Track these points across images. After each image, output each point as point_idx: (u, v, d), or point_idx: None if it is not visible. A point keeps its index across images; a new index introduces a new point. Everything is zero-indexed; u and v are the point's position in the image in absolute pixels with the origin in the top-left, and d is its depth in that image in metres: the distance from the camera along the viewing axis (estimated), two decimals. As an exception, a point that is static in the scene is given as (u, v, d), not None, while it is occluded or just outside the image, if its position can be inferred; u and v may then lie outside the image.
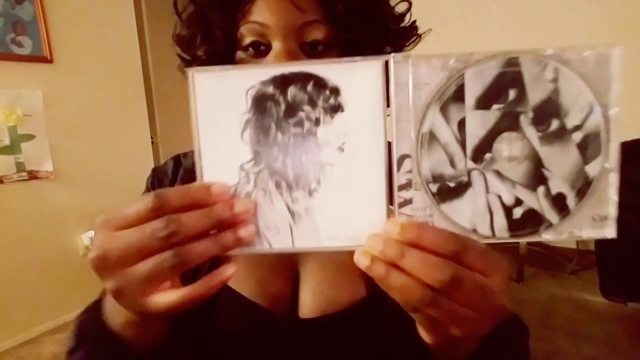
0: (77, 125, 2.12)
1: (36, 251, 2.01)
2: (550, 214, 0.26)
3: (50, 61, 1.97)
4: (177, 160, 0.55)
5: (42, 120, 1.95)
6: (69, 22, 2.04)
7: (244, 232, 0.27)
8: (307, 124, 0.27)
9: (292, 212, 0.28)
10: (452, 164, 0.26)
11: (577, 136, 0.25)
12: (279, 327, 0.46)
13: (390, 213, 0.27)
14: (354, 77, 0.26)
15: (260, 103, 0.27)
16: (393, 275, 0.24)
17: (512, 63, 0.25)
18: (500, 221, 0.26)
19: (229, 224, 0.27)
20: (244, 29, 0.42)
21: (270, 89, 0.27)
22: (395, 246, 0.24)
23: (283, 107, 0.27)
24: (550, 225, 0.26)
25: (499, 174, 0.25)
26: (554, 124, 0.25)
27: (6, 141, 1.84)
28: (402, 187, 0.26)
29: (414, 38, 0.48)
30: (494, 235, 0.26)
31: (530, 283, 2.43)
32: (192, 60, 0.48)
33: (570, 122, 0.25)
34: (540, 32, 2.78)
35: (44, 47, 1.94)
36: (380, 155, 0.27)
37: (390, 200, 0.27)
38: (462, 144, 0.25)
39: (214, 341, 0.48)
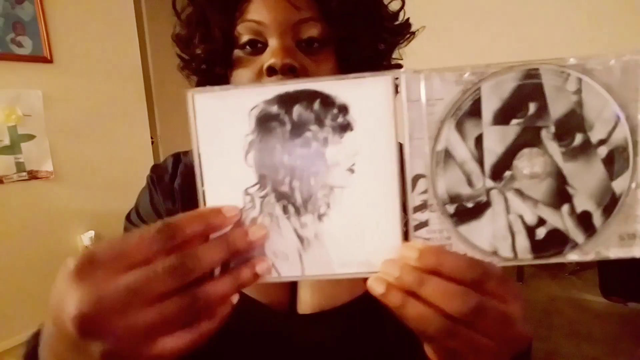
0: (77, 125, 2.12)
1: (36, 251, 2.01)
2: (576, 234, 0.24)
3: (50, 61, 1.97)
4: (176, 157, 0.55)
5: (42, 120, 1.95)
6: (69, 22, 2.04)
7: (261, 267, 0.26)
8: (314, 145, 0.26)
9: (301, 238, 0.26)
10: (470, 183, 0.24)
11: (603, 151, 0.24)
12: (277, 323, 0.46)
13: (405, 237, 0.26)
14: (363, 93, 0.25)
15: (265, 123, 0.26)
16: (410, 304, 0.23)
17: (531, 74, 0.23)
18: (523, 242, 0.25)
19: (243, 253, 0.26)
20: (241, 28, 0.42)
21: (275, 109, 0.26)
22: (412, 273, 0.23)
23: (289, 127, 0.26)
24: (575, 245, 0.24)
25: (520, 192, 0.24)
26: (578, 138, 0.24)
27: (6, 141, 1.84)
28: (417, 209, 0.25)
29: (408, 35, 0.49)
30: (516, 257, 0.25)
31: (530, 283, 2.43)
32: (191, 59, 0.49)
33: (595, 136, 0.23)
34: (541, 29, 2.78)
35: (44, 47, 1.94)
36: (393, 175, 0.25)
37: (405, 223, 0.25)
38: (480, 162, 0.24)
39: (213, 337, 0.48)
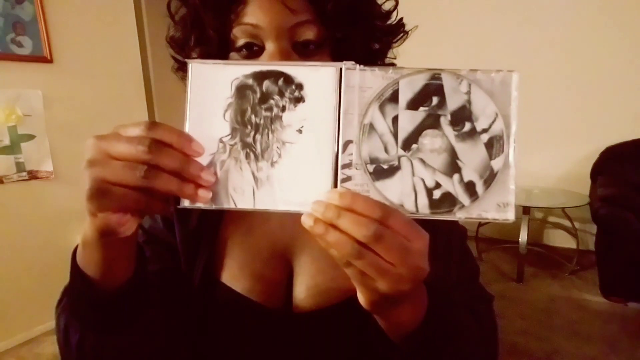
0: (77, 125, 2.12)
1: (36, 251, 2.01)
2: (463, 197, 0.32)
3: (50, 61, 1.97)
4: None
5: (42, 120, 1.95)
6: (69, 22, 2.04)
7: (202, 192, 0.33)
8: (275, 110, 0.34)
9: (256, 179, 0.34)
10: (386, 150, 0.32)
11: (485, 137, 0.31)
12: (273, 321, 0.47)
13: (334, 187, 0.33)
14: (315, 77, 0.33)
15: (241, 91, 0.34)
16: (330, 233, 0.29)
17: (435, 77, 0.31)
18: (423, 200, 0.32)
19: (193, 180, 0.32)
20: (237, 31, 0.43)
21: (250, 81, 0.34)
22: (333, 209, 0.29)
23: (258, 95, 0.34)
24: (462, 206, 0.32)
25: (423, 161, 0.32)
26: (467, 126, 0.31)
27: (6, 141, 1.84)
28: (345, 166, 0.33)
29: (401, 35, 0.49)
30: (417, 211, 0.32)
31: (530, 283, 2.43)
32: (184, 50, 0.48)
33: (480, 125, 0.31)
34: (532, 30, 2.78)
35: (44, 47, 1.94)
36: (330, 139, 0.33)
37: (335, 177, 0.33)
38: (395, 135, 0.32)
39: (209, 337, 0.48)
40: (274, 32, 0.41)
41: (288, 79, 0.33)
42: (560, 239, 2.94)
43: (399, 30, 0.49)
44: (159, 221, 0.53)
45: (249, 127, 0.34)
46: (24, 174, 1.92)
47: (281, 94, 0.33)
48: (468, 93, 0.31)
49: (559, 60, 2.75)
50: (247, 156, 0.34)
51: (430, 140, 0.32)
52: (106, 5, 2.21)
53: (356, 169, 0.32)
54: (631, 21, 2.53)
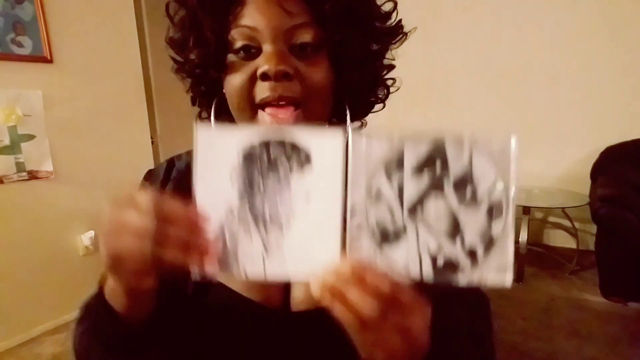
0: (77, 125, 2.12)
1: (36, 251, 2.01)
2: (465, 263, 0.33)
3: (50, 61, 1.97)
4: (170, 162, 0.57)
5: (42, 120, 1.95)
6: (69, 22, 2.04)
7: (209, 266, 0.34)
8: (283, 177, 0.34)
9: (265, 247, 0.34)
10: (392, 215, 0.33)
11: (485, 202, 0.32)
12: (271, 320, 0.47)
13: (342, 253, 0.33)
14: (322, 145, 0.34)
15: (249, 157, 0.34)
16: (336, 305, 0.31)
17: (439, 144, 0.32)
18: (427, 268, 0.33)
19: (199, 251, 0.33)
20: (234, 32, 0.43)
21: (258, 149, 0.34)
22: (343, 282, 0.31)
23: (266, 162, 0.34)
24: (464, 272, 0.33)
25: (427, 225, 0.33)
26: (469, 191, 0.32)
27: (6, 141, 1.84)
28: (353, 231, 0.33)
29: (400, 36, 0.49)
30: (422, 278, 0.33)
31: (530, 283, 2.43)
32: (185, 62, 0.49)
33: (480, 191, 0.32)
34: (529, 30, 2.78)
35: (44, 47, 1.94)
36: (337, 205, 0.34)
37: (344, 242, 0.34)
38: (401, 201, 0.33)
39: (207, 337, 0.48)
40: (271, 34, 0.41)
41: (295, 147, 0.34)
42: (560, 239, 2.94)
43: (397, 32, 0.49)
44: None
45: (258, 194, 0.34)
46: (24, 174, 1.92)
47: (289, 161, 0.34)
48: (470, 158, 0.32)
49: (559, 60, 2.75)
50: (256, 223, 0.34)
51: (434, 205, 0.32)
52: (106, 5, 2.21)
53: (364, 233, 0.33)
54: (631, 21, 2.53)
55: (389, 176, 0.32)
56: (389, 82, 0.52)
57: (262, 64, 0.41)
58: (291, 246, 0.34)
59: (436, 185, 0.32)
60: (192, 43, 0.46)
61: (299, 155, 0.34)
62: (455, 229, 0.33)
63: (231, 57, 0.44)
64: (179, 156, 0.58)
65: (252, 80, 0.43)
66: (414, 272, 0.33)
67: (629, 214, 1.95)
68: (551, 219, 2.98)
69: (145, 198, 0.33)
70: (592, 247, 2.47)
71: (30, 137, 1.92)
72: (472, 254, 0.33)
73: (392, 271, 0.32)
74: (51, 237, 2.07)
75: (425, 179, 0.32)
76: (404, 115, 3.24)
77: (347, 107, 0.49)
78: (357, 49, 0.44)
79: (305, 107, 0.43)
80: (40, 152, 1.96)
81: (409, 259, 0.33)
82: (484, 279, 0.33)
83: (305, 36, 0.42)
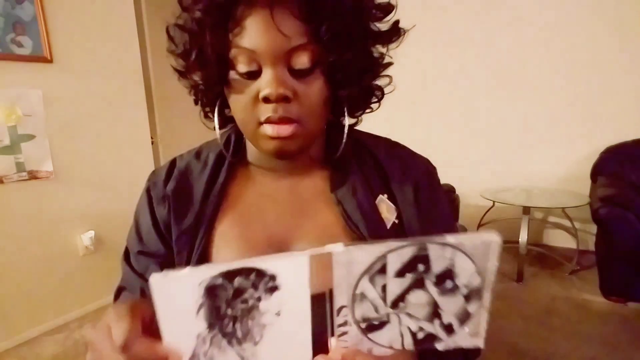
0: (77, 125, 2.12)
1: (36, 251, 2.01)
2: (442, 335, 0.37)
3: (50, 61, 1.97)
4: (172, 162, 0.60)
5: (42, 120, 1.95)
6: (69, 22, 2.04)
7: None
8: (251, 301, 0.35)
9: (242, 357, 0.36)
10: (376, 310, 0.36)
11: (464, 291, 0.35)
12: None
13: (314, 358, 0.37)
14: (287, 267, 0.34)
15: (212, 291, 0.34)
16: None
17: (422, 248, 0.34)
18: (408, 340, 0.37)
19: None
20: (235, 52, 0.44)
21: (220, 280, 0.33)
22: None
23: (231, 292, 0.34)
24: (441, 340, 0.37)
25: (408, 314, 0.36)
26: (449, 284, 0.35)
27: (6, 141, 1.84)
28: (340, 325, 0.37)
29: (398, 37, 0.50)
30: (404, 349, 0.38)
31: (530, 283, 2.43)
32: (187, 71, 0.50)
33: (460, 282, 0.35)
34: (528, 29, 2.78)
35: (44, 47, 1.94)
36: (306, 317, 0.36)
37: (329, 334, 0.37)
38: (384, 299, 0.35)
39: None
40: (270, 58, 0.43)
41: (260, 273, 0.34)
42: (560, 239, 2.94)
43: (395, 37, 0.50)
44: (152, 232, 0.56)
45: (226, 319, 0.35)
46: (24, 174, 1.92)
47: (255, 287, 0.34)
48: (452, 257, 0.34)
49: (559, 60, 2.75)
50: (230, 342, 0.36)
51: (415, 298, 0.35)
52: (106, 5, 2.21)
53: (350, 325, 0.37)
54: (631, 21, 2.53)
55: (373, 281, 0.34)
56: (385, 82, 0.53)
57: (264, 88, 0.43)
58: (266, 354, 0.36)
59: (418, 283, 0.35)
60: (194, 63, 0.47)
61: (265, 280, 0.34)
62: (434, 312, 0.36)
63: (233, 74, 0.46)
64: (181, 156, 0.60)
65: (255, 100, 0.45)
66: (397, 346, 0.37)
67: (629, 214, 1.95)
68: (551, 219, 2.98)
69: (119, 335, 0.35)
70: (592, 247, 2.47)
71: (30, 137, 1.92)
72: (449, 329, 0.37)
73: (377, 347, 0.37)
74: (51, 237, 2.07)
75: (407, 279, 0.35)
76: (405, 115, 3.24)
77: (344, 115, 0.52)
78: (352, 66, 0.46)
79: (302, 123, 0.46)
80: (40, 152, 1.96)
81: (392, 339, 0.37)
82: (458, 343, 0.37)
83: (303, 58, 0.44)
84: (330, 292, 0.36)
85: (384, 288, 0.35)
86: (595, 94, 2.68)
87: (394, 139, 0.62)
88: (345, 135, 0.53)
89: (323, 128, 0.52)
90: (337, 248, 0.34)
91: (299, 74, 0.45)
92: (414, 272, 0.34)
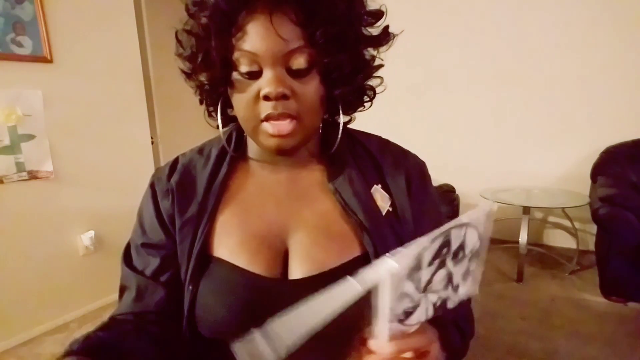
0: (77, 125, 2.12)
1: (36, 251, 2.01)
2: (452, 295, 0.42)
3: (50, 61, 1.97)
4: (176, 159, 0.63)
5: (42, 120, 1.95)
6: (69, 22, 2.04)
7: None
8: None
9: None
10: (413, 301, 0.39)
11: (469, 255, 0.41)
12: (269, 288, 0.52)
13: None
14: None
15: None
16: None
17: (447, 236, 0.37)
18: (430, 312, 0.41)
19: None
20: (237, 55, 0.48)
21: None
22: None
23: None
24: (451, 300, 0.42)
25: (433, 291, 0.40)
26: (461, 255, 0.40)
27: (6, 141, 1.84)
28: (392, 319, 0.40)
29: (388, 42, 0.54)
30: (426, 321, 0.42)
31: (530, 283, 2.43)
32: (194, 76, 0.54)
33: (468, 250, 0.40)
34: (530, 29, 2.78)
35: (44, 47, 1.94)
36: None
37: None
38: (418, 289, 0.39)
39: (208, 306, 0.53)
40: (270, 59, 0.47)
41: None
42: (560, 239, 2.94)
43: (385, 40, 0.54)
44: (156, 224, 0.59)
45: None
46: (24, 174, 1.92)
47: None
48: (465, 234, 0.39)
49: (558, 60, 2.75)
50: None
51: (439, 277, 0.39)
52: (106, 5, 2.21)
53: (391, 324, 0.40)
54: (631, 21, 2.53)
55: (411, 279, 0.37)
56: (376, 82, 0.57)
57: (264, 87, 0.47)
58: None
59: (442, 264, 0.39)
60: (200, 65, 0.51)
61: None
62: (449, 281, 0.41)
63: (236, 75, 0.50)
64: (184, 154, 0.64)
65: (256, 99, 0.49)
66: (422, 320, 0.41)
67: (629, 214, 1.94)
68: (551, 219, 2.98)
69: None
70: (592, 247, 2.47)
71: (30, 137, 1.92)
72: (456, 288, 0.42)
73: (410, 327, 0.40)
74: (51, 237, 2.07)
75: (434, 265, 0.38)
76: (405, 115, 3.24)
77: (339, 113, 0.56)
78: (345, 68, 0.50)
79: (300, 119, 0.50)
80: (40, 152, 1.96)
81: (420, 316, 0.41)
82: (461, 298, 0.42)
83: (300, 60, 0.48)
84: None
85: (418, 280, 0.38)
86: (596, 94, 2.68)
87: (394, 138, 0.64)
88: (340, 131, 0.56)
89: (319, 125, 0.56)
90: (392, 265, 0.36)
91: (297, 74, 0.48)
92: (440, 257, 0.38)
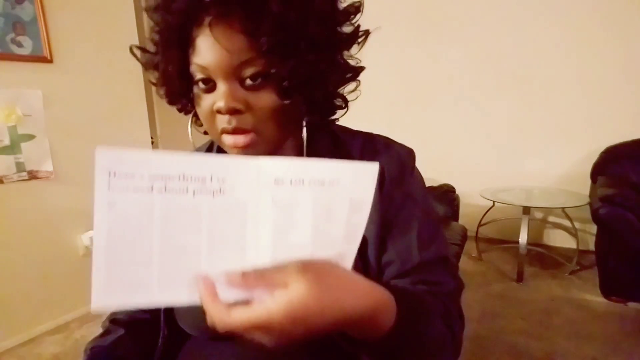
0: (77, 125, 2.12)
1: (36, 251, 2.01)
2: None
3: (50, 61, 1.97)
4: None
5: (42, 120, 1.95)
6: (69, 22, 2.04)
7: None
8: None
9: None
10: None
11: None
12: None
13: None
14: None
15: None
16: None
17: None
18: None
19: None
20: (192, 68, 0.48)
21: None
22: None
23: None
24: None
25: None
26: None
27: (6, 141, 1.84)
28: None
29: (360, 40, 0.51)
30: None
31: (530, 283, 2.43)
32: (158, 86, 0.55)
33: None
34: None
35: (44, 47, 1.94)
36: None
37: None
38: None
39: (188, 309, 0.55)
40: (220, 73, 0.46)
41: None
42: (560, 239, 2.94)
43: (352, 41, 0.51)
44: None
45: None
46: (24, 174, 1.92)
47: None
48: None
49: (558, 60, 2.75)
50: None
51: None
52: (106, 5, 2.21)
53: None
54: (631, 21, 2.53)
55: None
56: (350, 88, 0.54)
57: (217, 101, 0.47)
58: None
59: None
60: (159, 79, 0.52)
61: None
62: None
63: (196, 88, 0.49)
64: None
65: (213, 112, 0.48)
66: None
67: (629, 214, 1.94)
68: (551, 219, 2.98)
69: None
70: (592, 247, 2.47)
71: (30, 137, 1.92)
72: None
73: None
74: (51, 237, 2.07)
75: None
76: (405, 115, 3.24)
77: (304, 122, 0.54)
78: (298, 77, 0.46)
79: (258, 132, 0.48)
80: (40, 152, 1.96)
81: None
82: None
83: (251, 71, 0.46)
84: None
85: None
86: (596, 94, 2.68)
87: (395, 138, 0.62)
88: (305, 136, 0.54)
89: (284, 134, 0.53)
90: None
91: (250, 87, 0.47)
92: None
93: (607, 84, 2.63)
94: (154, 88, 0.58)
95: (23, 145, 1.90)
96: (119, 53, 2.29)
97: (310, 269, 0.34)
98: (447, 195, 1.95)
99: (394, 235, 0.54)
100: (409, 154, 0.59)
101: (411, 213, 0.55)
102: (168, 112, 3.09)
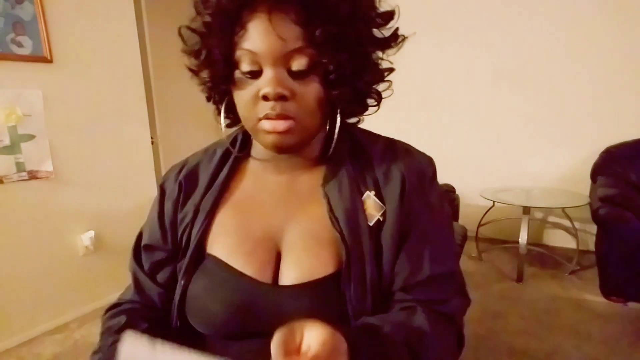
0: (77, 125, 2.12)
1: (36, 251, 2.01)
2: None
3: (50, 61, 1.97)
4: (185, 161, 0.66)
5: (42, 120, 1.95)
6: (69, 22, 2.04)
7: None
8: None
9: None
10: None
11: None
12: (261, 292, 0.53)
13: None
14: None
15: None
16: None
17: None
18: None
19: None
20: (239, 53, 0.48)
21: None
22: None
23: None
24: None
25: None
26: None
27: (6, 141, 1.84)
28: None
29: (396, 45, 0.53)
30: None
31: (530, 283, 2.43)
32: (198, 69, 0.55)
33: None
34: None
35: (44, 47, 1.94)
36: None
37: None
38: None
39: (198, 305, 0.55)
40: (270, 59, 0.47)
41: None
42: (560, 239, 2.94)
43: (393, 42, 0.53)
44: (156, 225, 0.62)
45: None
46: (24, 174, 1.92)
47: None
48: None
49: (558, 60, 2.75)
50: None
51: None
52: (106, 5, 2.21)
53: None
54: (631, 21, 2.53)
55: None
56: (383, 87, 0.56)
57: (264, 87, 0.47)
58: None
59: None
60: (203, 63, 0.52)
61: None
62: None
63: (238, 74, 0.50)
64: (195, 153, 0.66)
65: (256, 98, 0.49)
66: None
67: (629, 214, 1.94)
68: (551, 219, 2.98)
69: None
70: (592, 247, 2.47)
71: (30, 137, 1.92)
72: None
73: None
74: (51, 237, 2.07)
75: None
76: (405, 115, 3.24)
77: (338, 116, 0.54)
78: (345, 68, 0.48)
79: (298, 120, 0.49)
80: (40, 152, 1.96)
81: None
82: None
83: (300, 61, 0.47)
84: None
85: None
86: (596, 94, 2.68)
87: (395, 138, 0.62)
88: (336, 134, 0.55)
89: (319, 127, 0.54)
90: None
91: (297, 75, 0.48)
92: None
93: (607, 84, 2.63)
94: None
95: (23, 145, 1.90)
96: (119, 53, 2.29)
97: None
98: (447, 195, 1.95)
99: (408, 244, 0.54)
100: (430, 162, 0.59)
101: (428, 224, 0.55)
102: (168, 112, 3.11)
